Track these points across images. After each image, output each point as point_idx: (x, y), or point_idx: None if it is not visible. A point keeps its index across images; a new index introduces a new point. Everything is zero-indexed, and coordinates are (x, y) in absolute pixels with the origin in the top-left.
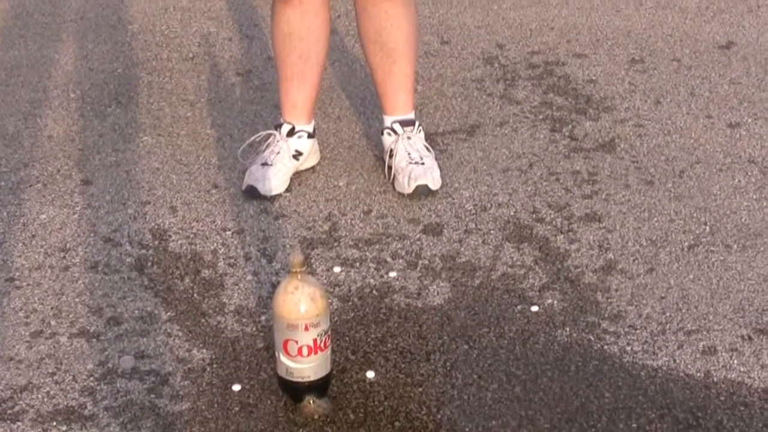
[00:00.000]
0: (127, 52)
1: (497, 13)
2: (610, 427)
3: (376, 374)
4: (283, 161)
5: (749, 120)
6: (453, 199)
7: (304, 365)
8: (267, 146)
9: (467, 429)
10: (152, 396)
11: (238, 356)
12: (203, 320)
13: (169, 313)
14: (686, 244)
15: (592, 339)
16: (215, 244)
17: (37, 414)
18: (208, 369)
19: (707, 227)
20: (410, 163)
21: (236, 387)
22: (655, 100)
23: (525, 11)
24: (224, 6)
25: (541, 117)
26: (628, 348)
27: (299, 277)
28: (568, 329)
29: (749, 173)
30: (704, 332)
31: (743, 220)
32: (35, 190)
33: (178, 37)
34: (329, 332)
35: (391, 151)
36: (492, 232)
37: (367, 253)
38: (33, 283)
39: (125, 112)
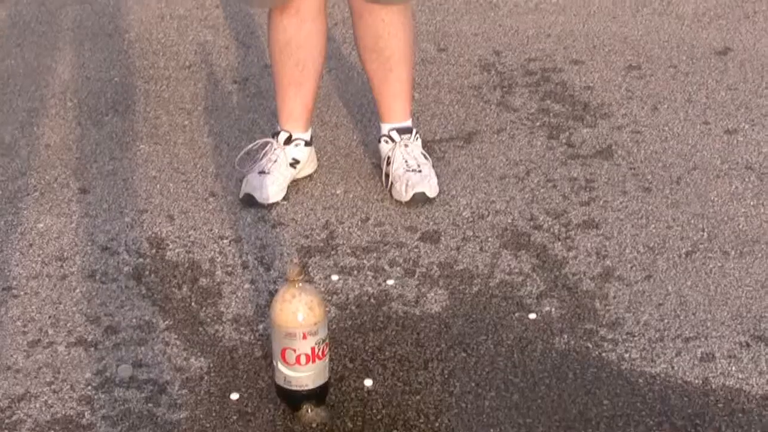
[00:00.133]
0: (124, 61)
1: (494, 20)
2: None
3: (374, 382)
4: (280, 169)
5: (746, 126)
6: (450, 206)
7: (302, 374)
8: (264, 154)
9: None
10: (150, 405)
11: (235, 365)
12: (201, 329)
13: (166, 322)
14: (684, 250)
15: (590, 346)
16: (212, 253)
17: (35, 423)
18: (206, 378)
19: (705, 234)
20: (407, 170)
21: (234, 396)
22: (652, 107)
23: (522, 18)
24: (221, 14)
25: (538, 124)
26: (626, 355)
27: (297, 285)
28: (566, 336)
29: (746, 179)
30: (702, 339)
31: (741, 226)
32: (32, 198)
33: (174, 46)
34: (327, 340)
35: (389, 158)
36: (489, 239)
37: (365, 261)
38: (30, 292)
39: (122, 121)
